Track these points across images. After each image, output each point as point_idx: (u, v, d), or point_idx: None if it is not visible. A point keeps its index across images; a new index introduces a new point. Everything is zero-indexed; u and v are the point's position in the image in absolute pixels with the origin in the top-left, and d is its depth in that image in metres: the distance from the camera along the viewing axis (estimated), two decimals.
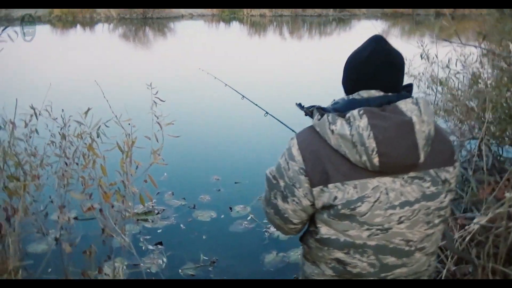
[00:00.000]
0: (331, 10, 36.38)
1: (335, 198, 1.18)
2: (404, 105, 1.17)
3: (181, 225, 4.15)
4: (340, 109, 1.22)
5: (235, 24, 33.50)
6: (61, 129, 2.86)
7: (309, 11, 36.32)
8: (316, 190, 1.20)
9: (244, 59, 15.64)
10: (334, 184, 1.18)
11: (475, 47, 3.89)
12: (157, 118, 2.66)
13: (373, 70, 1.22)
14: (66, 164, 2.68)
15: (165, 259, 3.59)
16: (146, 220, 4.24)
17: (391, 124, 1.13)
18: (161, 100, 2.68)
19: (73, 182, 2.50)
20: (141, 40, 23.65)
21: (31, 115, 2.53)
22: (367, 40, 1.28)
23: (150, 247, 3.77)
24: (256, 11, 35.95)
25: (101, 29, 28.84)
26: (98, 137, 2.26)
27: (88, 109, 2.29)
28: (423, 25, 29.98)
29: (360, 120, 1.13)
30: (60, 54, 16.49)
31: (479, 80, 3.98)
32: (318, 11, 36.22)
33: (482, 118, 3.68)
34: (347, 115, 1.17)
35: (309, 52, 18.56)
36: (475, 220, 2.32)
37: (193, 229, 4.08)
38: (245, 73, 12.48)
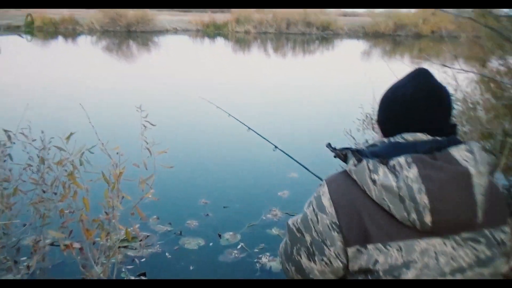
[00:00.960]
0: (314, 29, 36.86)
1: (376, 262, 0.98)
2: (457, 152, 0.99)
3: (167, 254, 3.87)
4: (381, 154, 1.03)
5: (219, 40, 33.52)
6: (40, 151, 2.58)
7: (293, 30, 36.71)
8: (351, 250, 1.01)
9: (230, 76, 15.52)
10: (375, 245, 0.98)
11: (465, 71, 3.84)
12: (147, 143, 2.43)
13: (419, 110, 1.04)
14: (44, 191, 2.40)
15: None
16: (127, 247, 3.95)
17: (446, 176, 0.95)
18: (152, 124, 2.46)
19: (51, 215, 2.23)
20: (125, 54, 23.32)
21: (6, 140, 2.26)
22: (409, 73, 1.10)
23: (132, 277, 3.48)
24: (240, 28, 36.11)
25: (83, 41, 28.36)
26: (81, 165, 2.02)
27: (71, 134, 2.05)
28: (403, 46, 30.67)
29: (408, 170, 0.95)
30: (40, 68, 16.02)
31: (477, 106, 3.91)
32: (301, 29, 36.63)
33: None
34: (391, 162, 0.98)
35: (294, 69, 18.61)
36: None
37: (179, 259, 3.81)
38: (232, 91, 12.32)
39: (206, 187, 5.46)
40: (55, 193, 2.14)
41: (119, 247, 3.84)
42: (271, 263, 3.74)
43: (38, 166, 2.32)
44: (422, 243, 0.97)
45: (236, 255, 3.89)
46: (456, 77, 4.25)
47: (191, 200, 5.00)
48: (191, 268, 3.66)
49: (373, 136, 4.12)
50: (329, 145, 1.19)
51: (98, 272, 1.99)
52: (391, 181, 0.96)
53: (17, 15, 27.50)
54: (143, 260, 3.76)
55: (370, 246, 0.98)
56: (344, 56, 25.69)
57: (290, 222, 1.18)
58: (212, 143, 7.49)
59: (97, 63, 17.48)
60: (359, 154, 1.06)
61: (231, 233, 4.27)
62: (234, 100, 10.57)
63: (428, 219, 0.94)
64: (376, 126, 1.21)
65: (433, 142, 1.02)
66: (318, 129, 8.60)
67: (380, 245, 0.98)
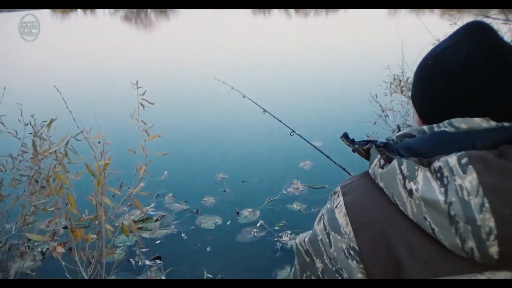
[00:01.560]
0: None
1: None
2: None
3: (183, 235, 3.69)
4: (419, 150, 0.69)
5: None
6: (34, 135, 2.35)
7: None
8: None
9: (248, 48, 14.96)
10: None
11: None
12: (145, 124, 2.15)
13: (478, 82, 0.69)
14: (37, 180, 2.18)
15: (163, 277, 3.15)
16: (143, 229, 3.80)
17: None
18: (150, 103, 2.17)
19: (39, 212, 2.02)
20: (143, 23, 22.92)
21: None
22: (460, 30, 0.74)
23: (147, 262, 3.33)
24: None
25: (102, 12, 28.06)
26: (66, 155, 1.78)
27: (52, 120, 1.79)
28: None
29: (463, 176, 0.62)
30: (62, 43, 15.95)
31: None
32: None
33: None
34: (436, 163, 0.64)
35: (316, 32, 17.79)
36: None
37: (195, 239, 3.62)
38: (250, 67, 11.83)
39: (223, 161, 5.22)
40: (43, 187, 1.92)
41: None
42: (292, 242, 3.50)
43: (21, 157, 2.10)
44: (481, 279, 0.65)
45: (255, 233, 3.67)
46: None
47: (208, 176, 4.78)
48: (208, 249, 3.48)
49: (402, 103, 3.71)
50: (345, 137, 0.85)
51: (85, 277, 1.79)
52: (437, 192, 0.63)
53: None
54: (158, 242, 3.60)
55: None
56: (368, 12, 24.29)
57: (298, 240, 0.88)
58: (227, 116, 7.20)
59: (113, 34, 17.21)
60: (388, 149, 0.73)
61: (249, 209, 4.04)
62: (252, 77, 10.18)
63: (494, 249, 0.61)
64: (411, 105, 0.87)
65: (499, 132, 0.67)
66: (336, 95, 8.13)
67: None
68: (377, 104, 3.82)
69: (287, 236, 3.60)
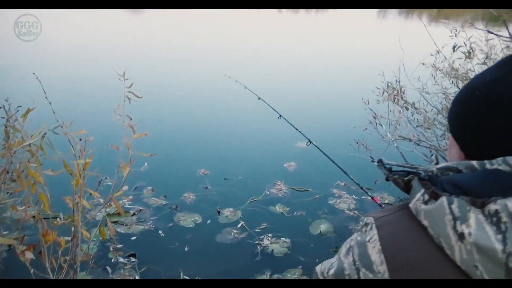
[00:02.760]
0: None
1: None
2: None
3: (160, 232, 3.55)
4: (469, 188, 0.60)
5: None
6: (7, 119, 2.15)
7: None
8: None
9: (235, 35, 14.77)
10: None
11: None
12: (131, 119, 2.00)
13: None
14: (8, 171, 2.00)
15: (137, 277, 3.01)
16: (118, 223, 3.63)
17: None
18: (137, 96, 2.02)
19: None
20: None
21: None
22: (504, 61, 0.66)
23: (121, 259, 3.18)
24: None
25: None
26: (42, 148, 1.62)
27: (28, 110, 1.62)
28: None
29: None
30: None
31: None
32: None
33: None
34: (492, 206, 0.55)
35: (306, 26, 17.72)
36: None
37: (173, 237, 3.49)
38: (236, 52, 11.67)
39: (206, 156, 5.07)
40: (14, 181, 1.74)
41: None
42: (273, 246, 3.41)
43: None
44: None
45: (235, 235, 3.56)
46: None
47: (189, 171, 4.63)
48: (186, 249, 3.35)
49: (394, 111, 3.65)
50: (381, 163, 0.75)
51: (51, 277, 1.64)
52: (492, 239, 0.54)
53: None
54: (133, 238, 3.45)
55: None
56: (357, 13, 24.33)
57: (318, 270, 0.78)
58: (212, 108, 7.04)
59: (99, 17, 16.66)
60: (431, 183, 0.63)
61: (231, 209, 3.93)
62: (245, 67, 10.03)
63: None
64: (449, 137, 0.76)
65: None
66: (328, 100, 8.07)
67: None
68: (368, 110, 3.75)
69: (268, 239, 3.50)
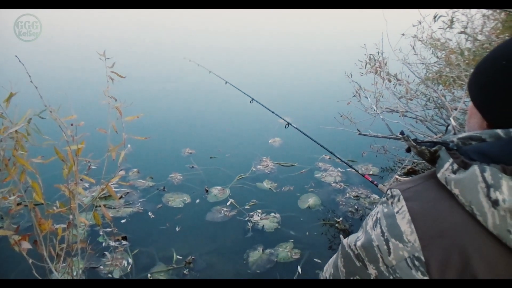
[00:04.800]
0: None
1: None
2: None
3: (150, 213, 3.54)
4: (497, 156, 0.61)
5: None
6: None
7: None
8: None
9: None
10: None
11: None
12: (116, 100, 1.95)
13: None
14: None
15: (130, 260, 3.01)
16: (106, 207, 3.59)
17: None
18: (120, 76, 1.96)
19: None
20: None
21: None
22: None
23: (112, 243, 3.16)
24: None
25: None
26: (28, 134, 1.55)
27: (11, 95, 1.54)
28: None
29: None
30: None
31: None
32: None
33: None
34: None
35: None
36: None
37: (163, 218, 3.48)
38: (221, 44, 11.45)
39: (190, 136, 5.03)
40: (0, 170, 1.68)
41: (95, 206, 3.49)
42: (264, 222, 3.45)
43: None
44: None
45: (225, 213, 3.57)
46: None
47: (174, 151, 4.59)
48: (177, 229, 3.35)
49: (377, 84, 3.67)
50: (404, 135, 0.76)
51: (57, 276, 1.61)
52: None
53: None
54: (123, 221, 3.42)
55: None
56: None
57: (345, 242, 0.79)
58: (194, 88, 6.94)
59: None
60: (460, 152, 0.65)
61: (219, 187, 3.93)
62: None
63: None
64: (469, 106, 0.76)
65: None
66: (312, 77, 8.06)
67: None
68: (352, 83, 3.76)
69: (258, 215, 3.53)
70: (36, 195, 1.54)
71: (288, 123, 3.23)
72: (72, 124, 1.61)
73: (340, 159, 3.00)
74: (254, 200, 3.74)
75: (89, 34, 10.42)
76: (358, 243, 0.74)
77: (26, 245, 1.43)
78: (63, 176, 1.64)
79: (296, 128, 3.12)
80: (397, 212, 0.68)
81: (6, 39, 8.40)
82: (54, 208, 1.64)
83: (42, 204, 1.75)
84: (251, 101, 3.65)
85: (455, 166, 0.63)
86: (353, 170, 2.96)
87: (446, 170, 0.64)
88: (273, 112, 3.51)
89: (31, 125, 1.58)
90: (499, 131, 0.64)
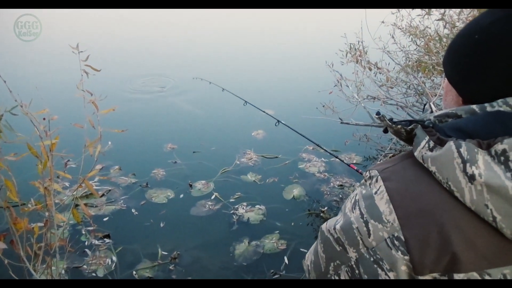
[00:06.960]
0: None
1: None
2: None
3: (133, 210, 3.48)
4: (473, 131, 0.61)
5: None
6: None
7: None
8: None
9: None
10: (467, 275, 0.60)
11: None
12: (91, 95, 1.89)
13: None
14: None
15: (114, 258, 2.96)
16: (87, 205, 3.52)
17: None
18: (95, 70, 1.90)
19: None
20: None
21: None
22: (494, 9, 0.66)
23: (95, 241, 3.10)
24: None
25: None
26: (0, 132, 1.49)
27: None
28: None
29: None
30: None
31: None
32: None
33: None
34: (499, 146, 0.57)
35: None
36: None
37: (147, 215, 3.43)
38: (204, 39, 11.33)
39: (171, 130, 4.96)
40: None
41: (76, 205, 3.42)
42: (249, 214, 3.43)
43: None
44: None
45: (210, 207, 3.54)
46: None
47: (156, 146, 4.53)
48: (161, 225, 3.30)
49: (358, 72, 3.68)
50: (380, 115, 0.75)
51: (36, 276, 1.56)
52: (502, 178, 0.55)
53: None
54: (106, 219, 3.36)
55: (459, 276, 0.60)
56: None
57: (324, 227, 0.78)
58: (174, 79, 6.85)
59: None
60: (436, 129, 0.64)
61: (203, 181, 3.89)
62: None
63: None
64: (443, 83, 0.76)
65: None
66: (292, 65, 8.05)
67: (475, 275, 0.60)
68: (332, 73, 3.76)
69: (243, 208, 3.52)
70: (10, 193, 1.48)
71: (278, 121, 3.25)
72: (44, 119, 1.56)
73: (326, 150, 3.01)
74: (239, 193, 3.72)
75: (83, 32, 10.22)
76: (337, 226, 0.73)
77: (1, 245, 1.37)
78: (37, 173, 1.59)
79: (287, 126, 3.14)
80: (375, 192, 0.67)
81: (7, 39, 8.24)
82: (29, 205, 1.58)
83: (18, 205, 1.69)
84: (245, 104, 3.66)
85: (432, 144, 0.63)
86: (339, 160, 2.97)
87: (422, 148, 0.64)
88: (264, 112, 3.56)
89: (2, 121, 1.52)
90: (474, 106, 0.64)
